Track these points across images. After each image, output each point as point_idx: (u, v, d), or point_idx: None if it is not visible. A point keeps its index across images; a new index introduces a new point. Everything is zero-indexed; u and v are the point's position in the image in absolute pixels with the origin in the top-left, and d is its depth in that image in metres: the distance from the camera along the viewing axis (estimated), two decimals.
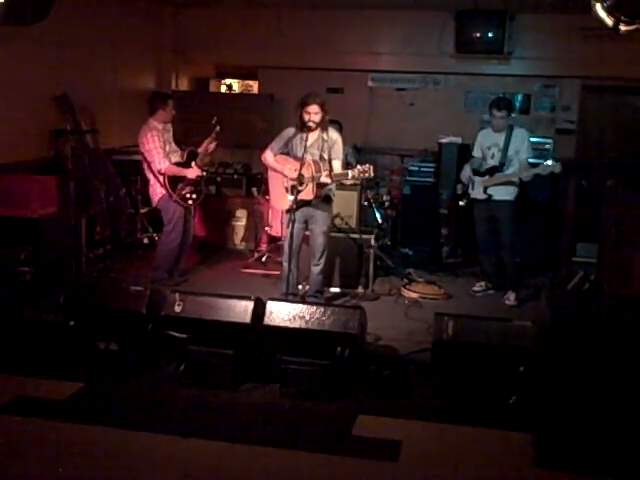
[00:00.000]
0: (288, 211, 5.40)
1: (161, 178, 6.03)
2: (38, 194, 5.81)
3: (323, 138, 5.39)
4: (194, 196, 6.18)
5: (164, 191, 6.06)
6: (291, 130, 5.53)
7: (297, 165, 5.24)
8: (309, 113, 5.30)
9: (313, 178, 5.25)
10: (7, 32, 5.56)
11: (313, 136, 5.38)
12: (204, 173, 6.32)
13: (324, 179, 5.24)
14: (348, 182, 6.46)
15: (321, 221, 5.50)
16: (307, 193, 5.29)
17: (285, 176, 5.45)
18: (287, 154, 5.52)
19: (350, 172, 5.22)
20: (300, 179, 5.21)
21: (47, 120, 6.61)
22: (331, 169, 5.35)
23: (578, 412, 3.99)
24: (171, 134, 6.25)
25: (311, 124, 5.30)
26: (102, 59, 7.49)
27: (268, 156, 5.56)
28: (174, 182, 6.06)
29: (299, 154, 5.36)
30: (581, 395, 4.06)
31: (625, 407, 3.99)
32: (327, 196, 5.51)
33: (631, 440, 3.78)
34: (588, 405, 4.01)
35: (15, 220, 5.61)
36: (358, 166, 5.17)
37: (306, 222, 5.52)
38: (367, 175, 5.16)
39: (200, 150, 6.23)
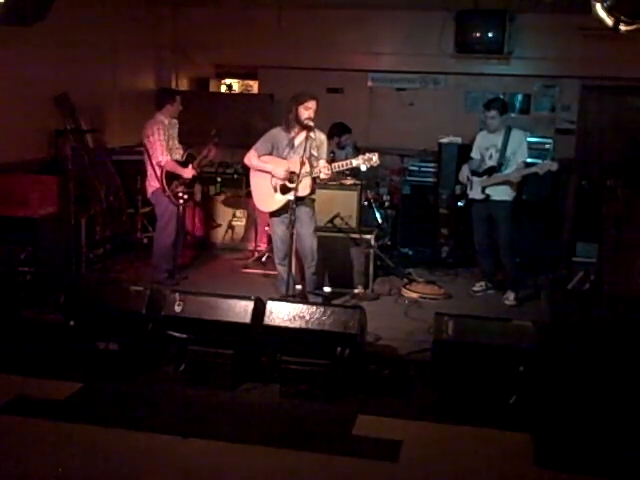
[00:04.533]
0: (272, 215, 5.38)
1: (158, 172, 6.06)
2: (38, 194, 5.82)
3: (311, 137, 5.22)
4: (186, 196, 6.24)
5: (158, 184, 6.10)
6: (275, 130, 5.43)
7: (286, 164, 5.20)
8: (309, 109, 5.21)
9: (310, 173, 5.15)
10: (7, 32, 5.56)
11: (302, 135, 5.27)
12: (198, 174, 6.38)
13: (325, 171, 5.11)
14: (348, 181, 6.52)
15: (307, 221, 5.36)
16: (303, 188, 5.19)
17: (273, 176, 5.34)
18: (270, 155, 5.41)
19: (354, 161, 5.08)
20: (291, 177, 5.15)
21: (47, 120, 6.62)
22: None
23: (578, 412, 3.98)
24: (176, 130, 6.29)
25: (309, 122, 5.18)
26: (102, 59, 7.50)
27: (252, 157, 5.43)
28: (170, 178, 6.11)
29: (284, 154, 5.31)
30: (581, 395, 4.05)
31: (625, 407, 3.99)
32: (310, 197, 5.38)
33: (631, 440, 3.78)
34: (588, 405, 4.01)
35: (15, 220, 5.61)
36: (362, 155, 5.07)
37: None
38: (372, 163, 5.03)
39: (199, 156, 6.31)
